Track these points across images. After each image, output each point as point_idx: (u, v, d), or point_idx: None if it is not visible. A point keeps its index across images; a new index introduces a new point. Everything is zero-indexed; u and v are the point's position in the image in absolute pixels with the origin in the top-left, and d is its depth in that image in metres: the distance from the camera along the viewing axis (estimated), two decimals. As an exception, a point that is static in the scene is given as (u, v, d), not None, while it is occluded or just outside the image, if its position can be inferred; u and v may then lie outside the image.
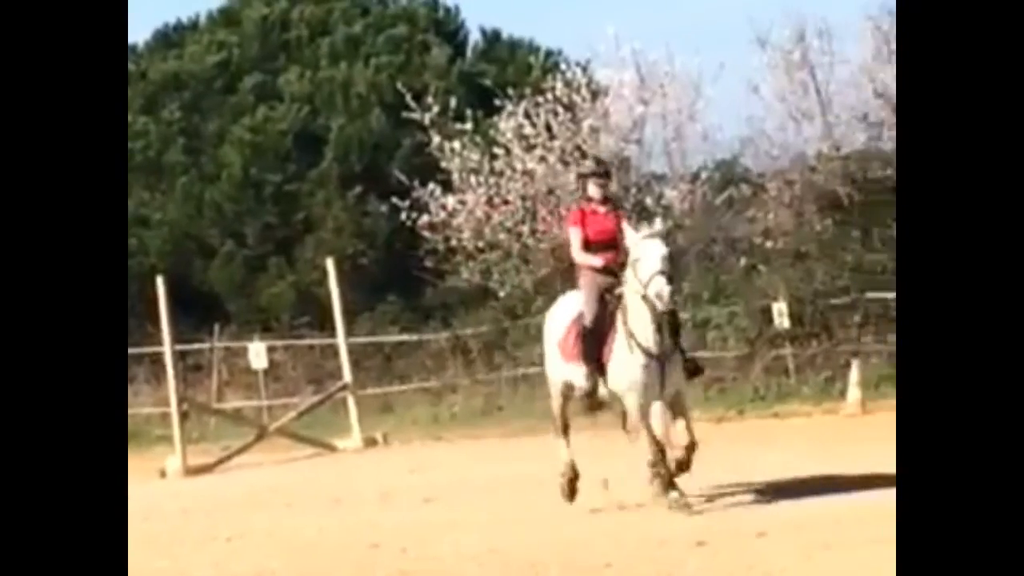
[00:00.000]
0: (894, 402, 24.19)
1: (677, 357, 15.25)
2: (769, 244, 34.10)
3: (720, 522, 14.98)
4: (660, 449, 15.09)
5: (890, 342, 30.27)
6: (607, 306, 15.71)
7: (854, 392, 28.68)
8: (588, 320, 16.03)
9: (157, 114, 42.34)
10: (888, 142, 32.70)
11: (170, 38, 45.29)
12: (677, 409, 15.46)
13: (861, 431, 24.16)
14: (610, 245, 15.35)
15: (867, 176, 34.28)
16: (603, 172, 17.07)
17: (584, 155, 32.54)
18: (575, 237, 15.97)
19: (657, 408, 15.22)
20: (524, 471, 21.12)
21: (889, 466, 11.02)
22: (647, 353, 14.79)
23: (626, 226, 15.69)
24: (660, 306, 14.91)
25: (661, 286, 14.81)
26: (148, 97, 42.72)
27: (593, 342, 15.67)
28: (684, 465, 15.45)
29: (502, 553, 16.33)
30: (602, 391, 15.50)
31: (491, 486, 20.96)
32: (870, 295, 31.59)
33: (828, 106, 34.40)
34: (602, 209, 15.79)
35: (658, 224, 16.04)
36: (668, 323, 15.22)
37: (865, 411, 27.97)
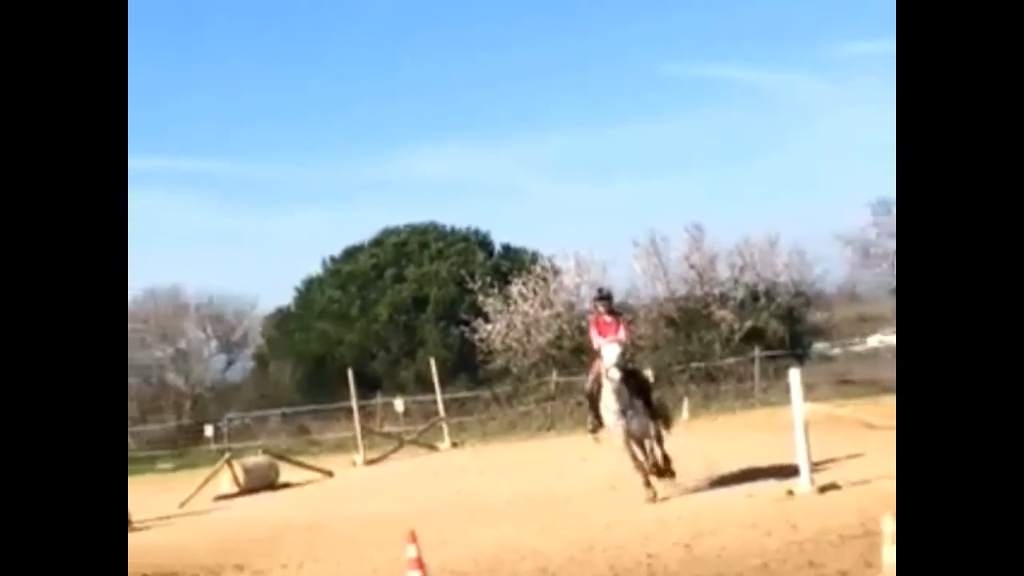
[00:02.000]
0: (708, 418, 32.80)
1: (639, 405, 16.46)
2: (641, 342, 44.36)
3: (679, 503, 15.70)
4: (635, 461, 16.51)
5: (702, 388, 41.86)
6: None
7: (685, 413, 34.67)
8: (587, 387, 17.81)
9: (347, 290, 54.19)
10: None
11: (349, 253, 56.59)
12: (649, 439, 16.85)
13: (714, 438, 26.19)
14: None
15: (688, 307, 47.58)
16: (606, 296, 18.76)
17: (551, 304, 47.47)
18: (594, 335, 17.21)
19: (621, 439, 16.44)
20: (537, 456, 25.62)
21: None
22: (613, 409, 16.27)
23: (593, 333, 17.30)
24: (611, 384, 16.29)
25: (612, 372, 16.28)
26: (341, 283, 54.94)
27: (592, 402, 17.17)
28: (664, 472, 16.89)
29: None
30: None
31: (523, 463, 25.06)
32: (693, 364, 42.71)
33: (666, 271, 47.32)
34: (607, 318, 17.28)
35: (616, 335, 16.89)
36: (630, 387, 16.41)
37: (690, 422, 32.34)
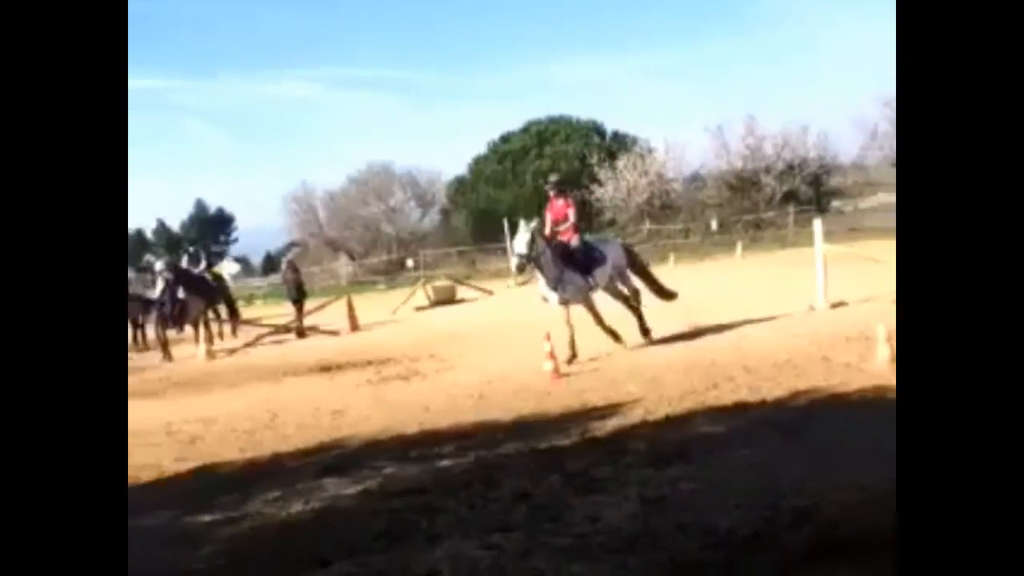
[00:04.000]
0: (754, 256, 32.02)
1: (569, 276, 13.00)
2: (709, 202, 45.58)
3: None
4: (595, 317, 13.21)
5: (751, 234, 43.08)
6: None
7: (739, 252, 35.20)
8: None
9: (503, 164, 54.53)
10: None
11: (505, 137, 56.70)
12: (590, 304, 13.29)
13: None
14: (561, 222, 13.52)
15: (743, 176, 47.20)
16: (555, 181, 14.72)
17: (646, 174, 47.21)
18: (547, 216, 13.72)
19: (562, 311, 12.94)
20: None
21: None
22: (544, 285, 13.11)
23: (546, 215, 13.70)
24: (514, 261, 13.41)
25: (513, 261, 13.45)
26: (500, 159, 55.07)
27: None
28: (647, 332, 13.52)
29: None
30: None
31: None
32: (745, 217, 42.75)
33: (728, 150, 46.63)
34: (559, 201, 13.71)
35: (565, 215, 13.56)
36: (561, 257, 13.04)
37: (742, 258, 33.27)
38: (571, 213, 13.65)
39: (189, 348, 19.98)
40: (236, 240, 72.96)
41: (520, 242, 13.09)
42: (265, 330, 21.85)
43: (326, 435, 9.52)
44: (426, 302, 26.63)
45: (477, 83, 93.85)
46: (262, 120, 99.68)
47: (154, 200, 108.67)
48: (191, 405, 12.68)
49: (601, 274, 13.53)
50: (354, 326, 21.81)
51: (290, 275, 23.05)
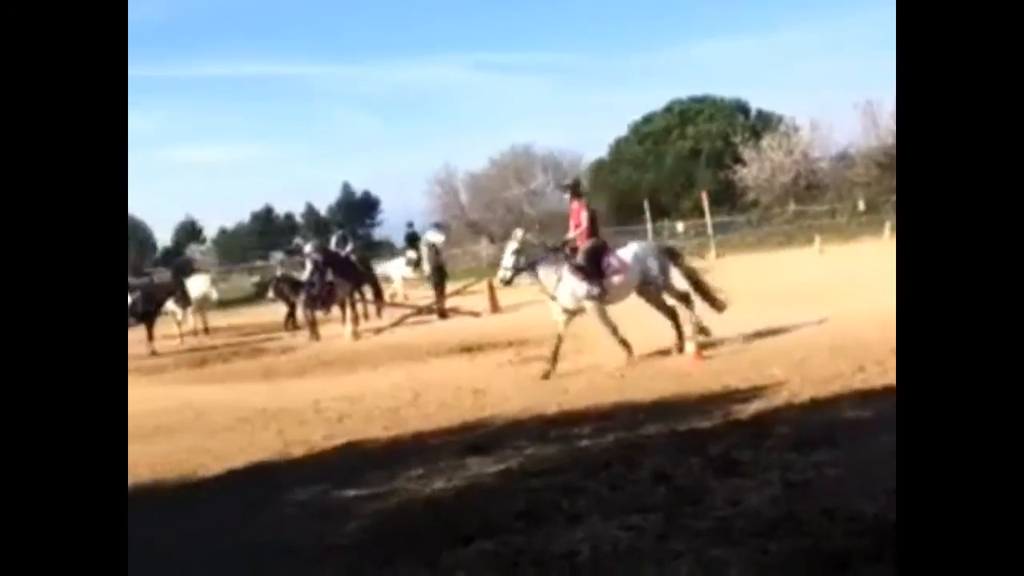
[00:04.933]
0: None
1: (567, 284, 12.29)
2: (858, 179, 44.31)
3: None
4: (558, 337, 12.15)
5: None
6: None
7: (887, 232, 34.11)
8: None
9: (644, 145, 54.25)
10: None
11: (647, 118, 56.58)
12: (599, 312, 12.34)
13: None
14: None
15: (892, 154, 45.68)
16: (566, 185, 14.24)
17: (791, 153, 46.09)
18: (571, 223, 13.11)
19: (556, 313, 12.49)
20: (778, 263, 29.36)
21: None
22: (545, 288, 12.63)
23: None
24: (500, 274, 12.94)
25: (500, 275, 12.86)
26: (640, 140, 54.77)
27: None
28: (702, 330, 12.35)
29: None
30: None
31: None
32: (894, 197, 41.62)
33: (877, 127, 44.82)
34: (574, 204, 13.07)
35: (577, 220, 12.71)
36: (564, 265, 12.35)
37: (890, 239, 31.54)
38: (584, 217, 12.79)
39: (336, 328, 20.53)
40: (381, 223, 74.50)
41: (507, 253, 12.69)
42: (408, 311, 22.19)
43: (467, 414, 9.65)
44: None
45: (620, 64, 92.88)
46: (408, 104, 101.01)
47: (303, 185, 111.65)
48: (338, 384, 13.00)
49: (619, 282, 12.51)
50: (495, 307, 21.92)
51: (432, 257, 23.45)
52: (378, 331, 20.34)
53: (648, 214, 35.74)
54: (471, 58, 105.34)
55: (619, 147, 56.63)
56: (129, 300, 21.08)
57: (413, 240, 27.19)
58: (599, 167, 56.65)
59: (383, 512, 6.36)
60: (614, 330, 12.30)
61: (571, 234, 12.90)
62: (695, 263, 15.09)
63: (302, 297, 20.91)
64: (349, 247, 23.23)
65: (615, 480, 6.36)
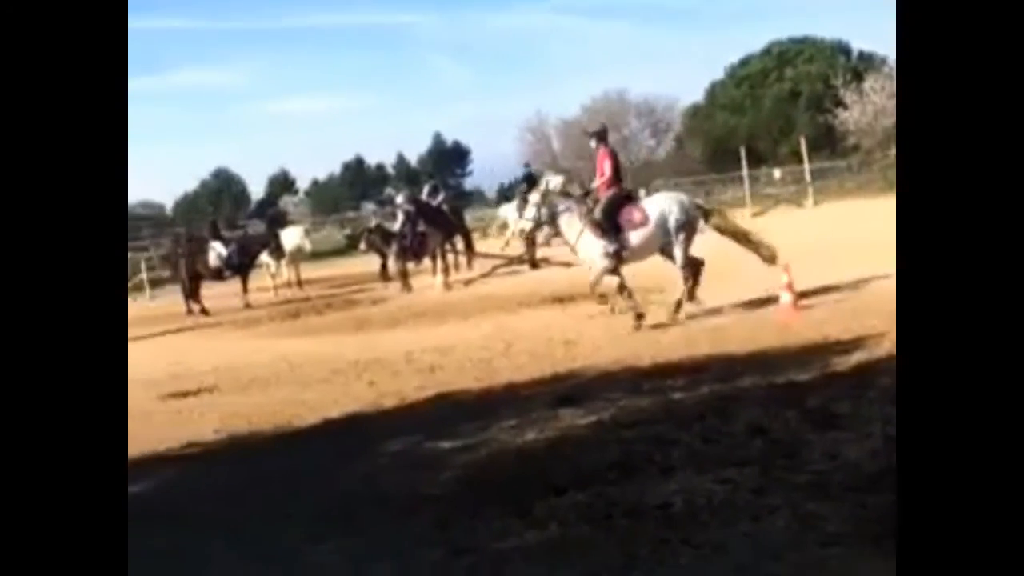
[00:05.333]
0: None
1: (586, 239, 11.96)
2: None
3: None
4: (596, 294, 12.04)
5: None
6: None
7: None
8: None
9: (741, 88, 53.62)
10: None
11: (744, 61, 55.49)
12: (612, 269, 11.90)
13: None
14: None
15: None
16: (592, 133, 12.93)
17: (894, 95, 44.82)
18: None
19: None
20: (877, 210, 26.79)
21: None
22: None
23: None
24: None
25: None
26: (737, 83, 54.07)
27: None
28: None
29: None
30: None
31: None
32: None
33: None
34: (600, 151, 12.36)
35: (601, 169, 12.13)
36: (585, 217, 11.88)
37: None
38: (607, 166, 12.05)
39: (427, 279, 20.68)
40: (471, 172, 74.74)
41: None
42: (499, 261, 22.27)
43: (559, 365, 9.67)
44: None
45: (716, 5, 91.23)
46: (500, 51, 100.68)
47: (393, 135, 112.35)
48: (429, 335, 13.14)
49: (639, 238, 11.91)
50: (587, 257, 21.95)
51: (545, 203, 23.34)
52: (469, 282, 20.50)
53: (744, 161, 35.10)
54: (564, 3, 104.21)
55: (715, 91, 55.59)
56: (224, 252, 21.67)
57: (532, 182, 27.17)
58: (694, 112, 55.90)
59: (475, 463, 6.42)
60: (623, 287, 11.88)
61: (595, 183, 12.39)
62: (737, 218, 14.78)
63: (394, 248, 21.12)
64: (440, 197, 23.33)
65: (709, 433, 6.32)
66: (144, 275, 31.44)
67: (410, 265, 21.06)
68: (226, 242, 22.10)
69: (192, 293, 22.12)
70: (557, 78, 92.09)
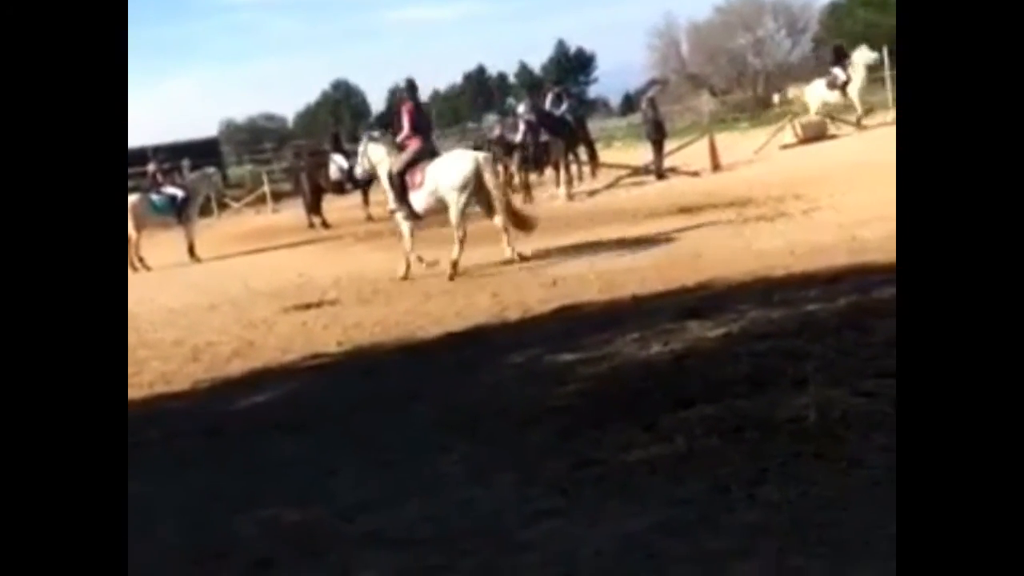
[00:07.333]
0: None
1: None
2: None
3: None
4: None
5: None
6: None
7: None
8: None
9: None
10: None
11: None
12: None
13: None
14: None
15: None
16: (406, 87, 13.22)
17: None
18: None
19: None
20: None
21: None
22: None
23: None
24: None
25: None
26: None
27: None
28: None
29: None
30: None
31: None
32: None
33: None
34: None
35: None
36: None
37: None
38: (405, 121, 12.15)
39: (550, 190, 20.77)
40: (596, 80, 74.31)
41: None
42: (624, 172, 22.21)
43: (687, 277, 9.61)
44: (793, 140, 25.49)
45: None
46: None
47: (515, 43, 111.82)
48: (551, 247, 13.07)
49: (418, 198, 12.16)
50: (716, 166, 21.77)
51: (650, 113, 23.25)
52: (592, 192, 20.49)
53: (887, 62, 33.63)
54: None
55: (855, -12, 53.56)
56: (345, 165, 21.93)
57: (839, 56, 27.16)
58: (833, 10, 54.23)
59: (599, 375, 6.44)
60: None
61: (399, 138, 12.43)
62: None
63: (516, 159, 21.10)
64: (564, 106, 23.15)
65: (845, 345, 6.19)
66: (267, 188, 32.54)
67: (533, 176, 21.10)
68: (347, 155, 22.30)
69: (314, 206, 22.76)
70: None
